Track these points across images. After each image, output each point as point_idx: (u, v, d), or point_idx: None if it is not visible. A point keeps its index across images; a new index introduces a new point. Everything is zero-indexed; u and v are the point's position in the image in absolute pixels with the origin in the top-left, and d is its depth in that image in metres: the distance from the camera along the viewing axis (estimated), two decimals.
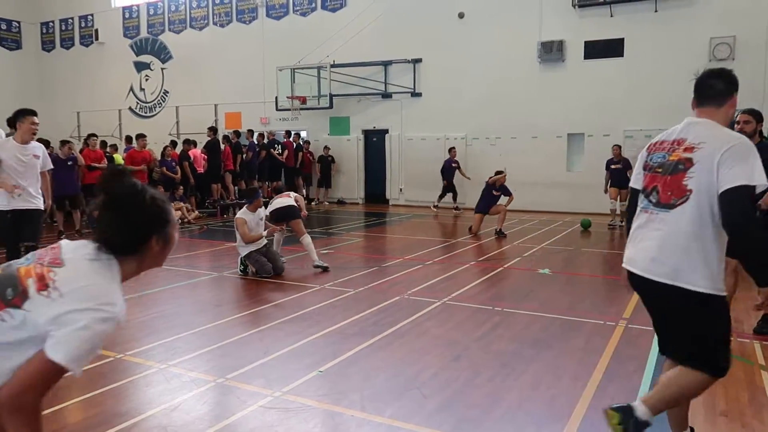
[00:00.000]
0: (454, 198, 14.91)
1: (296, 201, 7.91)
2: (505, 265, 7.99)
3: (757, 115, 5.21)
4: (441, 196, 14.93)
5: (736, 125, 5.15)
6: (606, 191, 12.41)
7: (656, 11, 13.42)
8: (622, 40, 13.82)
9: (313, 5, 17.68)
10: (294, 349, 4.60)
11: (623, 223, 11.75)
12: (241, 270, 7.41)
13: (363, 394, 3.76)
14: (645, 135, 13.73)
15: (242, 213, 7.31)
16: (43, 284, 1.73)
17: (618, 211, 12.05)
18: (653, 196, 2.79)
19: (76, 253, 1.83)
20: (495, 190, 11.11)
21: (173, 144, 15.12)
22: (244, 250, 7.23)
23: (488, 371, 4.16)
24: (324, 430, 3.32)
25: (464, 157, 15.85)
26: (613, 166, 12.29)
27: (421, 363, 4.31)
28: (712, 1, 12.94)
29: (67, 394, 3.72)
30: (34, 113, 6.13)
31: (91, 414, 3.47)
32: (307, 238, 7.64)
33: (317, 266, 7.52)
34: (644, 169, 2.93)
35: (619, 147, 12.50)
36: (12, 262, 1.88)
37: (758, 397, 3.74)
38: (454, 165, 14.80)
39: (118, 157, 9.39)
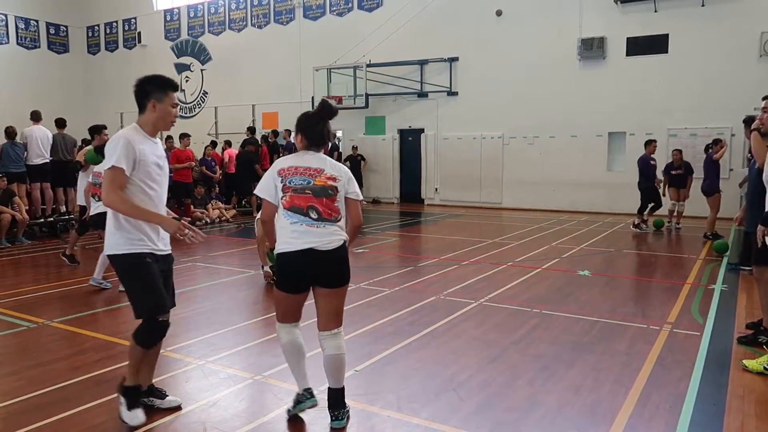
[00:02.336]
0: (654, 208, 11.54)
1: None
2: (544, 266, 7.84)
3: None
4: (644, 209, 11.53)
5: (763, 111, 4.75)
6: (664, 194, 11.53)
7: (703, 5, 12.96)
8: (667, 36, 13.41)
9: (350, 5, 17.73)
10: None
11: (679, 226, 11.44)
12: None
13: (399, 394, 3.72)
14: (690, 134, 13.36)
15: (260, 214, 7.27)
16: None
17: (675, 212, 11.47)
18: None
19: None
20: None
21: (213, 144, 15.37)
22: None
23: (527, 374, 4.07)
24: (360, 430, 3.30)
25: (501, 157, 15.67)
26: (673, 172, 11.40)
27: (457, 364, 4.25)
28: None
29: (108, 388, 3.79)
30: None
31: None
32: None
33: None
34: None
35: (680, 152, 11.53)
36: None
37: None
38: (653, 162, 11.46)
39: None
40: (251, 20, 19.76)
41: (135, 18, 22.61)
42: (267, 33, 19.40)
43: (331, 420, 3.32)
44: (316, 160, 3.34)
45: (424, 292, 6.44)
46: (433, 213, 15.04)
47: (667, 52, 13.43)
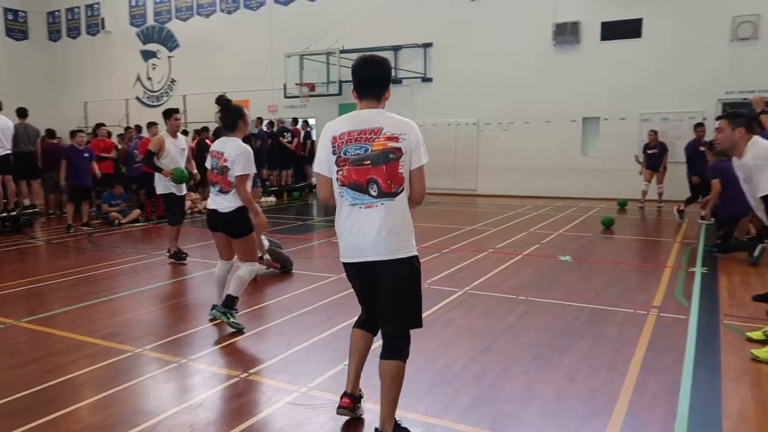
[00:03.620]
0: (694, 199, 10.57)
1: None
2: (525, 253, 7.80)
3: None
4: (695, 200, 10.54)
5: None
6: (641, 173, 12.41)
7: None
8: (641, 20, 13.46)
9: None
10: (317, 342, 4.45)
11: (661, 206, 11.89)
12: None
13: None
14: (662, 118, 13.49)
15: None
16: None
17: (648, 194, 12.23)
18: None
19: None
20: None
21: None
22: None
23: (521, 363, 4.00)
24: (356, 428, 3.17)
25: (476, 143, 15.62)
26: (649, 151, 12.25)
27: (449, 355, 4.15)
28: None
29: (82, 393, 3.59)
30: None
31: (111, 413, 3.33)
32: None
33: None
34: None
35: (656, 132, 12.37)
36: None
37: None
38: (702, 148, 10.12)
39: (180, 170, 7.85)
40: (220, 5, 19.25)
41: (98, 3, 21.80)
42: (237, 18, 18.93)
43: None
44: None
45: None
46: None
47: (640, 36, 13.50)
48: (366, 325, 3.10)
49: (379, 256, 2.77)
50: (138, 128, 13.74)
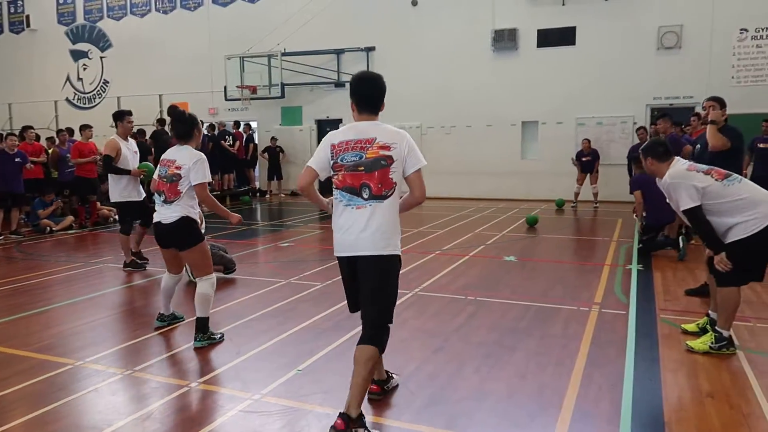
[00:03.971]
0: None
1: None
2: (471, 254, 7.95)
3: (720, 101, 5.35)
4: None
5: (702, 110, 5.40)
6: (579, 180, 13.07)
7: (606, 0, 13.64)
8: (574, 28, 14.00)
9: None
10: (267, 348, 4.38)
11: (597, 206, 12.66)
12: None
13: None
14: (597, 122, 14.05)
15: None
16: None
17: (581, 196, 12.97)
18: None
19: None
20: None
21: None
22: None
23: (472, 362, 4.06)
24: None
25: (420, 146, 15.71)
26: (583, 159, 12.91)
27: (402, 356, 4.17)
28: None
29: (14, 412, 3.39)
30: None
31: (48, 430, 3.15)
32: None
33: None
34: None
35: (589, 141, 13.06)
36: None
37: (740, 378, 3.78)
38: (761, 146, 10.09)
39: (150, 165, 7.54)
40: (155, 5, 18.67)
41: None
42: (173, 19, 18.41)
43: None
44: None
45: None
46: None
47: (574, 44, 14.03)
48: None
49: (365, 252, 3.04)
50: (70, 131, 13.13)
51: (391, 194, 3.08)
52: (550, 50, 14.23)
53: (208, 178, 4.53)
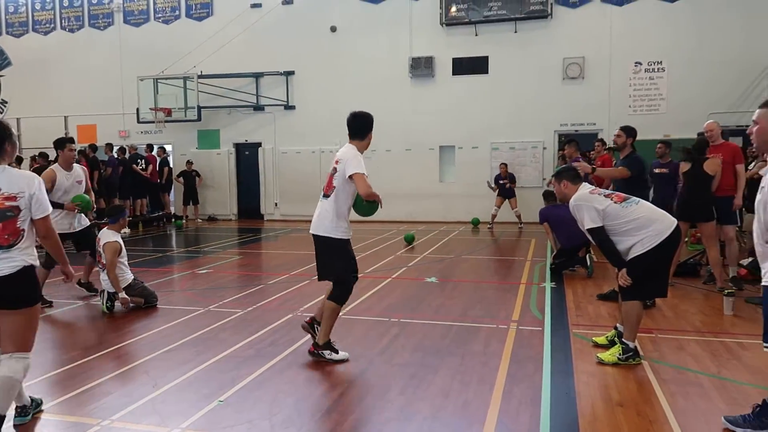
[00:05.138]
0: None
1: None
2: (393, 276, 8.03)
3: (627, 131, 5.81)
4: None
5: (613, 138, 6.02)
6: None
7: (515, 32, 14.41)
8: (487, 58, 14.67)
9: (177, 13, 16.80)
10: (187, 379, 4.21)
11: (522, 226, 13.29)
12: (107, 308, 6.22)
13: (272, 420, 3.51)
14: (509, 147, 14.71)
15: (112, 235, 6.44)
16: None
17: (498, 218, 13.65)
18: None
19: None
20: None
21: (18, 161, 13.46)
22: (123, 282, 6.27)
23: (397, 384, 4.09)
24: None
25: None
26: (501, 182, 13.62)
27: (328, 381, 4.14)
28: (565, 24, 14.18)
29: None
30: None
31: None
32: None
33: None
34: None
35: (506, 165, 13.75)
36: None
37: (646, 386, 4.03)
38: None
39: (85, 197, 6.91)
40: (61, 22, 17.83)
41: None
42: (81, 37, 17.63)
43: None
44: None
45: (279, 310, 6.22)
46: (274, 228, 14.73)
47: (487, 72, 14.68)
48: None
49: (312, 231, 4.63)
50: None
51: (332, 194, 4.56)
52: (464, 78, 14.81)
53: (50, 208, 3.46)
